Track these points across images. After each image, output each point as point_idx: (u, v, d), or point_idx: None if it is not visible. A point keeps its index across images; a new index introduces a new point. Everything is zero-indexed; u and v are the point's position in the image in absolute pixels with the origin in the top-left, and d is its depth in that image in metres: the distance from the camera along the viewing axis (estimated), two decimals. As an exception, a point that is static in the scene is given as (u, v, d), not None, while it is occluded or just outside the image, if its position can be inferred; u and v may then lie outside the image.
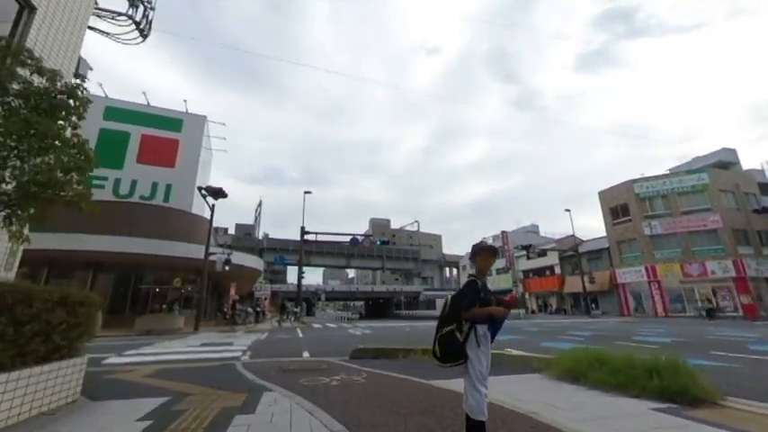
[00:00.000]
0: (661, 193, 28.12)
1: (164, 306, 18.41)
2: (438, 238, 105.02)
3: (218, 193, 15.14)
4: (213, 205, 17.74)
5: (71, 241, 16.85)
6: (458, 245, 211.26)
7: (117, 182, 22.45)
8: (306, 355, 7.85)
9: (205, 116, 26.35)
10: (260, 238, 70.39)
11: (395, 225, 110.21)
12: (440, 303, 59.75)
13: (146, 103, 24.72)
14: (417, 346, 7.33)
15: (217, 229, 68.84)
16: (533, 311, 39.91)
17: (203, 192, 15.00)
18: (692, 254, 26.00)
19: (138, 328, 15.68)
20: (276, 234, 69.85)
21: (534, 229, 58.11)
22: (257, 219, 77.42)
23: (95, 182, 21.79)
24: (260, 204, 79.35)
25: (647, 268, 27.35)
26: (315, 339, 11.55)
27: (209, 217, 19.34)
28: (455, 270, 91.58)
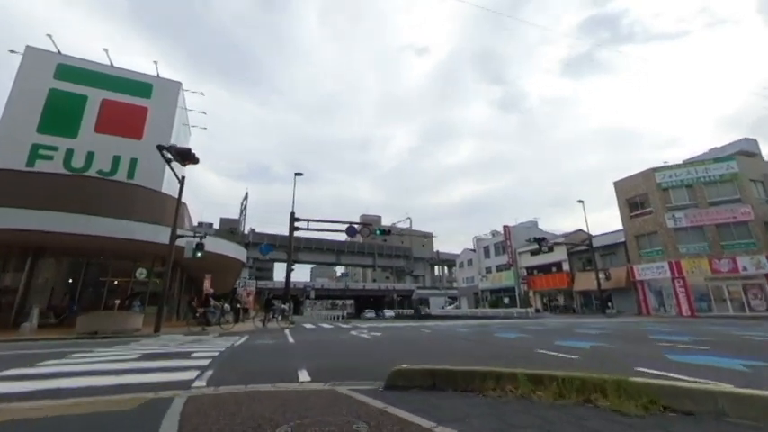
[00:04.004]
0: (685, 183, 25.89)
1: (117, 302, 14.90)
2: (429, 235, 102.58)
3: (187, 157, 11.78)
4: (183, 177, 14.38)
5: (-1, 218, 13.26)
6: (448, 244, 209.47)
7: (69, 153, 18.74)
8: (304, 376, 4.76)
9: (180, 83, 22.76)
10: (245, 232, 66.52)
11: (386, 223, 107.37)
12: (434, 302, 57.44)
13: (108, 63, 21.01)
14: (499, 365, 4.33)
15: (201, 224, 64.77)
16: (538, 310, 37.51)
17: (165, 152, 11.59)
18: (721, 248, 23.81)
19: (80, 329, 12.24)
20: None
21: (533, 225, 55.90)
22: (243, 212, 73.30)
23: (41, 152, 18.15)
24: (246, 197, 75.17)
25: (670, 264, 25.06)
26: (312, 347, 8.44)
27: (186, 198, 15.98)
28: (445, 269, 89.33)
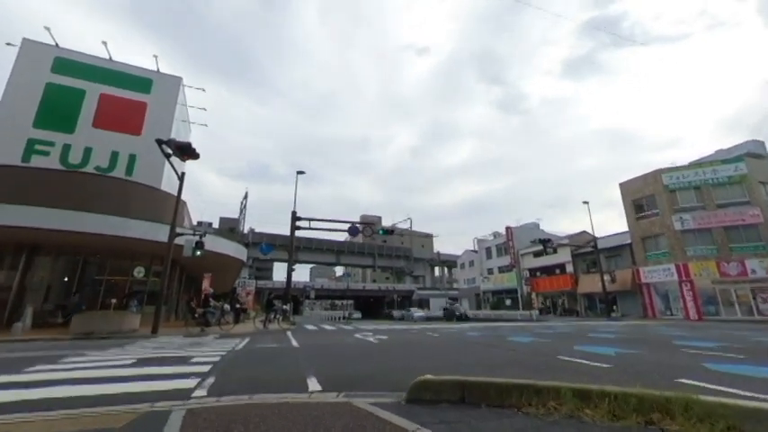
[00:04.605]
0: (693, 185, 25.53)
1: (113, 301, 14.45)
2: (430, 236, 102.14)
3: (187, 151, 11.34)
4: (183, 173, 13.96)
5: (-6, 214, 12.81)
6: (448, 245, 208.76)
7: (66, 148, 18.32)
8: (314, 385, 4.35)
9: (180, 78, 22.34)
10: (245, 232, 66.06)
11: (386, 223, 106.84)
12: (434, 303, 56.52)
13: (107, 56, 20.59)
14: (525, 375, 3.94)
15: (201, 223, 64.22)
16: (540, 312, 37.07)
17: (164, 147, 11.16)
18: (730, 251, 23.45)
19: (74, 329, 11.82)
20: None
21: (535, 227, 55.55)
22: (242, 211, 72.80)
23: (38, 147, 17.73)
24: (246, 197, 74.62)
25: (677, 266, 24.68)
26: (317, 350, 8.03)
27: (186, 197, 15.54)
28: (445, 269, 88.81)
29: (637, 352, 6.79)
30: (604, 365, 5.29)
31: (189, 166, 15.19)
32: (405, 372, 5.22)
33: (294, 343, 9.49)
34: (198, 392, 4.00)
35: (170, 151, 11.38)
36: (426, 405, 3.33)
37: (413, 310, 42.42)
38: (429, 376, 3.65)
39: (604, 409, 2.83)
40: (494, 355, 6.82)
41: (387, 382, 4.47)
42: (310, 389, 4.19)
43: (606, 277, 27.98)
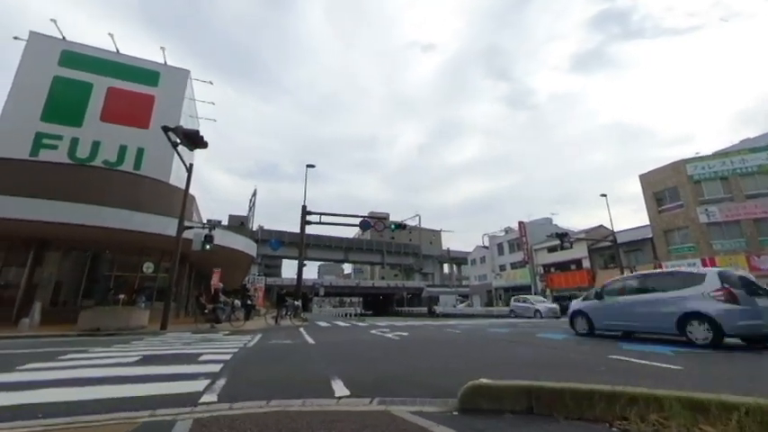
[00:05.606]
0: (720, 175, 24.35)
1: (121, 296, 14.08)
2: (438, 233, 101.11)
3: (194, 139, 10.79)
4: (191, 165, 13.47)
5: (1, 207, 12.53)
6: (455, 242, 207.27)
7: (74, 142, 18.03)
8: (340, 389, 3.74)
9: (188, 71, 21.93)
10: (254, 229, 65.99)
11: (393, 220, 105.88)
12: (444, 300, 55.85)
13: (114, 50, 20.25)
14: (602, 380, 3.29)
15: (210, 221, 64.46)
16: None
17: (171, 135, 10.63)
18: (760, 244, 22.28)
19: (82, 325, 11.48)
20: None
21: (547, 222, 54.34)
22: (251, 209, 72.77)
23: (46, 141, 17.47)
24: (254, 194, 74.52)
25: (703, 261, 23.57)
26: (334, 348, 7.44)
27: (195, 195, 15.11)
28: (454, 266, 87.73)
29: (697, 351, 6.04)
30: (672, 367, 4.58)
31: (198, 166, 14.95)
32: (438, 373, 4.62)
33: (309, 340, 8.93)
34: (207, 397, 3.42)
35: (177, 139, 10.87)
36: (486, 416, 2.69)
37: (531, 298, 27.64)
38: (484, 380, 3.00)
39: (732, 426, 2.16)
40: (533, 354, 6.14)
41: (421, 385, 3.86)
42: (337, 393, 3.58)
43: (627, 273, 26.90)
